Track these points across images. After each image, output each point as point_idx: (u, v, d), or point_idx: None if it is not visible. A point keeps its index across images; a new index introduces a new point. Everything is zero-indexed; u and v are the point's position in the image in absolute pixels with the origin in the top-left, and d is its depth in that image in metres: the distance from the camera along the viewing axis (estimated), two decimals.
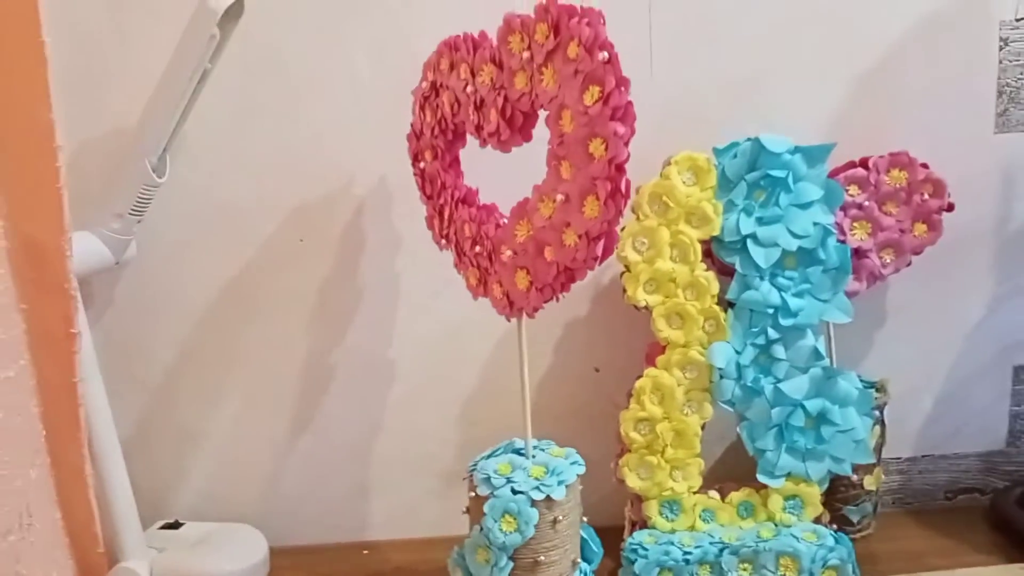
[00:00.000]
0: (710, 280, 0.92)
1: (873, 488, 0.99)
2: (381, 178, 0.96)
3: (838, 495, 0.99)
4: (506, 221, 0.78)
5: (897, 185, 0.96)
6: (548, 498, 0.78)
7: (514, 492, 0.79)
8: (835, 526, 0.98)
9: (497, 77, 0.72)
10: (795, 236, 0.91)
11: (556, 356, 1.02)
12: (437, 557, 0.99)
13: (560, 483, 0.79)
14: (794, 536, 0.91)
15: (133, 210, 0.88)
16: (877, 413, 0.98)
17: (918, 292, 1.04)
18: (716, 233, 0.92)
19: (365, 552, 1.03)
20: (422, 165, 0.82)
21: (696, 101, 0.98)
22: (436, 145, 0.80)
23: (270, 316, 1.00)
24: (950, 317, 1.06)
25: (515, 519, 0.79)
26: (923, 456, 1.08)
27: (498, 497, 0.79)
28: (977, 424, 1.08)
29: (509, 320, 0.81)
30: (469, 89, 0.74)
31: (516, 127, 0.72)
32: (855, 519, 0.99)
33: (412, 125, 0.84)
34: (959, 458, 1.09)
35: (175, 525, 0.99)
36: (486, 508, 0.79)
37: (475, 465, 0.83)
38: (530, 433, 0.85)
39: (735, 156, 0.92)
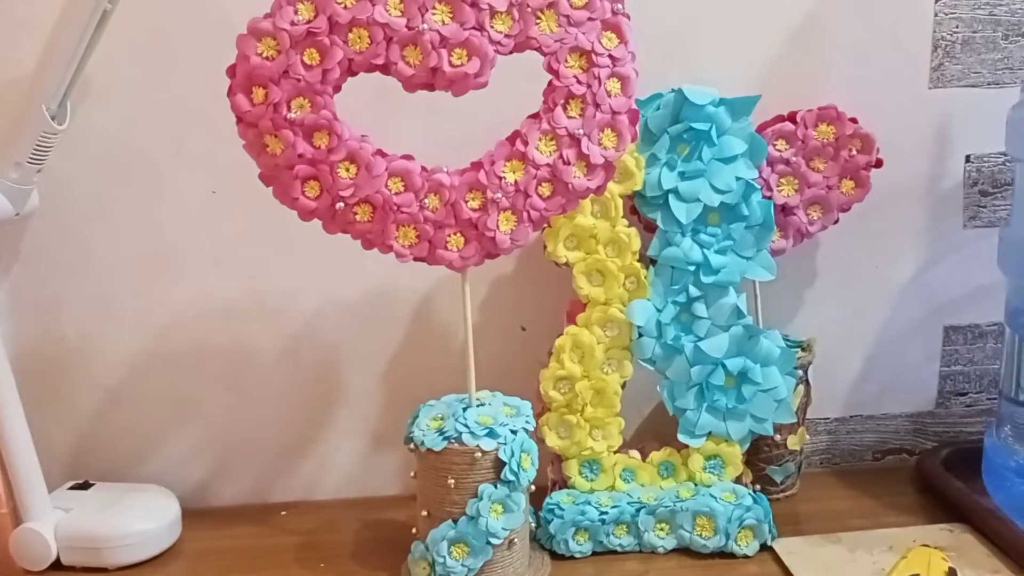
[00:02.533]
0: (631, 236, 0.88)
1: (797, 448, 0.96)
2: None
3: (761, 455, 0.95)
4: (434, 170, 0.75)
5: (825, 140, 0.91)
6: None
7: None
8: (758, 486, 0.94)
9: (465, 15, 0.70)
10: (717, 191, 0.87)
11: (482, 315, 0.97)
12: (359, 517, 0.97)
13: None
14: (712, 496, 0.87)
15: (32, 158, 0.82)
16: (801, 372, 0.95)
17: (848, 251, 1.00)
18: (638, 188, 0.88)
19: (283, 513, 0.99)
20: (292, 115, 0.72)
21: None
22: (321, 91, 0.72)
23: (187, 271, 0.95)
24: (881, 276, 1.02)
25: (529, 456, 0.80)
26: (851, 416, 1.05)
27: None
28: (907, 385, 1.04)
29: (461, 272, 0.78)
30: (422, 26, 0.70)
31: (489, 68, 0.73)
32: (778, 479, 0.96)
33: (256, 69, 0.70)
34: (888, 418, 1.05)
35: (85, 486, 0.94)
36: (508, 450, 0.78)
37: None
38: (473, 386, 0.82)
39: (658, 108, 0.88)
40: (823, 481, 1.01)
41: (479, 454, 0.79)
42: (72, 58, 0.79)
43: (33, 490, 0.86)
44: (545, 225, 0.88)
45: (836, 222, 0.94)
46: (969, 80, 0.98)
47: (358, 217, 0.76)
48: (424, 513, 0.81)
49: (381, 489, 1.01)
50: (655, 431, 0.98)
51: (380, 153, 0.75)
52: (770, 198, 0.92)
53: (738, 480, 0.91)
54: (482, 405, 0.83)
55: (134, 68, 0.90)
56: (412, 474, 0.83)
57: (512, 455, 0.79)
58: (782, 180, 0.93)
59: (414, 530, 0.83)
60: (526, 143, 0.77)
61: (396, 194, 0.76)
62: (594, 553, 0.89)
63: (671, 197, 0.88)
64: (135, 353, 0.97)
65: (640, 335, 0.90)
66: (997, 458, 0.91)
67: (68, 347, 0.96)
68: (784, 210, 0.93)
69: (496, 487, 0.79)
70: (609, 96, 0.78)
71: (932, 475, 0.97)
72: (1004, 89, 0.98)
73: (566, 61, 0.76)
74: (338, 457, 1.01)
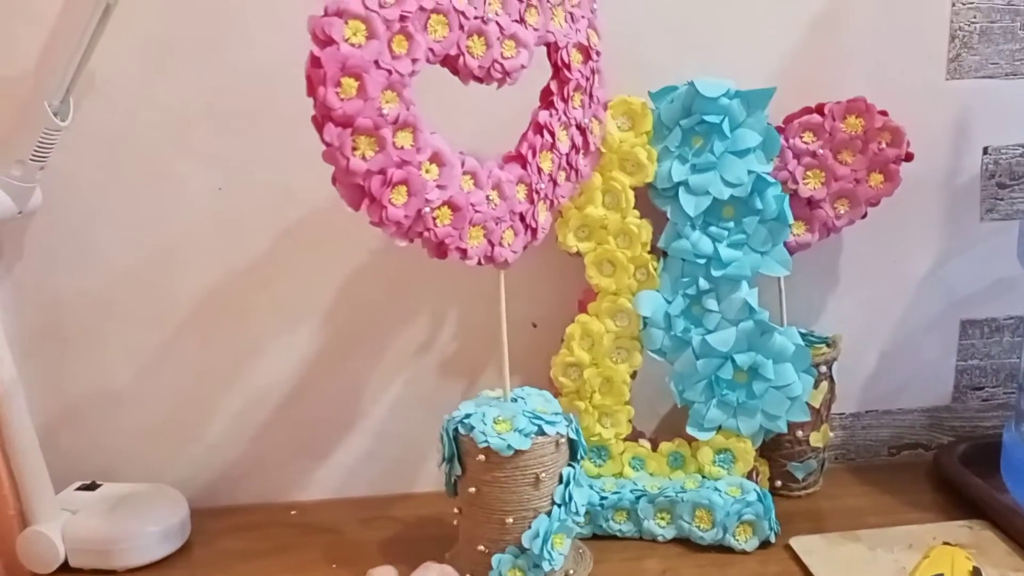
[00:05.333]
0: (641, 227, 0.84)
1: (820, 445, 0.92)
2: (307, 123, 0.70)
3: (783, 451, 0.92)
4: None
5: (853, 133, 0.87)
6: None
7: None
8: (779, 483, 0.92)
9: (511, 7, 0.67)
10: (728, 184, 0.83)
11: (491, 311, 0.92)
12: (368, 516, 0.93)
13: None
14: (715, 489, 0.84)
15: (34, 156, 0.79)
16: (826, 369, 0.91)
17: (865, 245, 0.96)
18: (650, 180, 0.84)
19: (293, 512, 0.95)
20: (386, 111, 0.62)
21: (636, 44, 0.88)
22: (407, 84, 0.63)
23: (192, 268, 0.91)
24: (897, 271, 0.97)
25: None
26: (867, 412, 1.00)
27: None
28: (923, 379, 1.00)
29: (508, 267, 0.75)
30: (488, 13, 0.66)
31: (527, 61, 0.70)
32: (800, 476, 0.92)
33: (350, 58, 0.60)
34: (903, 413, 1.01)
35: (92, 486, 0.90)
36: (575, 429, 0.76)
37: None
38: (508, 384, 0.79)
39: (671, 101, 0.84)
40: (839, 477, 0.97)
41: (561, 440, 0.76)
42: (75, 53, 0.76)
43: (40, 492, 0.83)
44: (558, 215, 0.86)
45: (864, 216, 0.89)
46: (987, 71, 0.93)
47: (438, 221, 0.68)
48: (509, 520, 0.75)
49: (391, 487, 0.98)
50: (680, 424, 0.92)
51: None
52: (796, 191, 0.88)
53: (749, 476, 0.88)
54: (522, 399, 0.79)
55: (137, 63, 0.86)
56: (471, 490, 0.76)
57: (578, 433, 0.78)
58: (808, 173, 0.88)
59: (480, 547, 0.76)
60: (553, 134, 0.75)
61: (469, 193, 0.70)
62: (594, 536, 0.86)
63: (681, 190, 0.84)
64: (140, 351, 0.93)
65: (648, 326, 0.86)
66: (1017, 453, 0.86)
67: (73, 345, 0.92)
68: (810, 204, 0.89)
69: (573, 467, 0.77)
70: (597, 89, 0.79)
71: (950, 471, 0.93)
72: (1022, 80, 0.93)
73: (572, 55, 0.74)
74: (346, 456, 0.98)
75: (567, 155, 0.77)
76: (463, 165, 0.70)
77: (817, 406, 0.90)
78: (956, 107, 0.94)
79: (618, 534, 0.86)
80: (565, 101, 0.76)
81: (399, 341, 0.95)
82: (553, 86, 0.76)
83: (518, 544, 0.75)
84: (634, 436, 0.89)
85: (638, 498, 0.85)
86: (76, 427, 0.94)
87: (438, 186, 0.67)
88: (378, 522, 0.92)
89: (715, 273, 0.84)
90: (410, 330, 0.95)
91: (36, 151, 0.80)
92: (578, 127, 0.78)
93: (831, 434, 0.94)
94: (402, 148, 0.65)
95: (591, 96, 0.78)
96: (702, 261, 0.84)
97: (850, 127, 0.87)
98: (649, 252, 0.86)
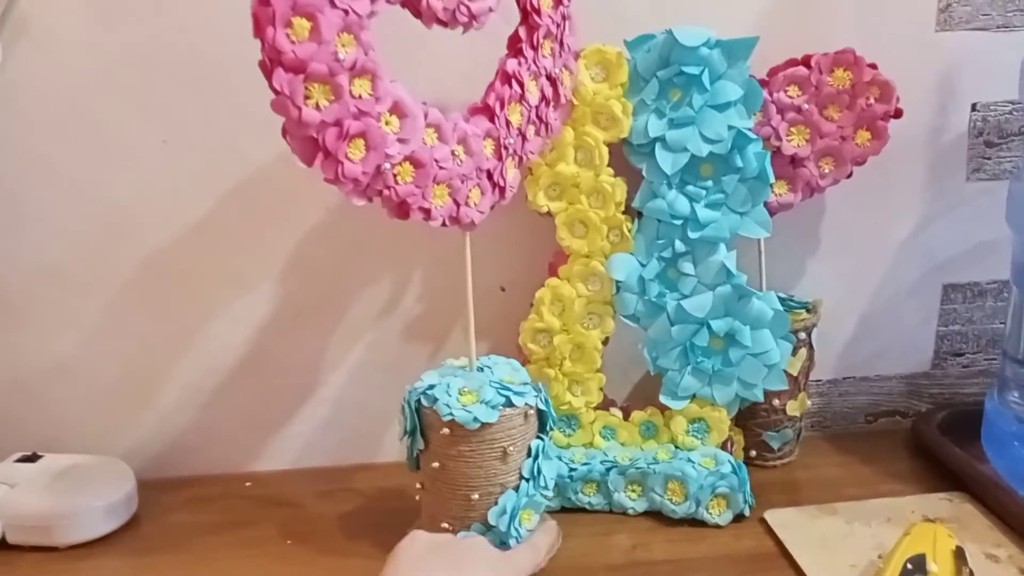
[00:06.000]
0: (615, 186, 0.79)
1: (796, 414, 0.88)
2: (256, 73, 0.61)
3: (759, 420, 0.87)
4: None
5: (840, 87, 0.81)
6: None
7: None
8: (754, 452, 0.88)
9: None
10: (707, 140, 0.77)
11: (456, 273, 0.86)
12: (327, 488, 0.89)
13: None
14: (689, 460, 0.80)
15: None
16: (805, 336, 0.86)
17: (844, 206, 0.91)
18: (624, 135, 0.79)
19: (247, 484, 0.90)
20: (342, 55, 0.55)
21: None
22: (366, 26, 0.56)
23: (138, 230, 0.85)
24: (878, 233, 0.93)
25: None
26: (844, 378, 0.96)
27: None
28: (903, 345, 0.96)
29: (473, 229, 0.70)
30: None
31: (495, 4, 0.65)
32: (775, 446, 0.88)
33: (309, 0, 0.54)
34: (882, 380, 0.97)
35: (33, 458, 0.84)
36: (543, 399, 0.73)
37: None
38: (474, 352, 0.74)
39: (648, 50, 0.78)
40: (815, 446, 0.93)
41: (530, 412, 0.72)
42: None
43: None
44: (527, 172, 0.81)
45: (849, 176, 0.84)
46: (978, 23, 0.87)
47: (400, 178, 0.62)
48: (475, 496, 0.71)
49: (351, 458, 0.93)
50: (653, 392, 0.87)
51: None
52: (779, 148, 0.82)
53: (723, 446, 0.84)
54: (488, 368, 0.74)
55: (78, 9, 0.79)
56: (435, 464, 0.71)
57: (548, 403, 0.74)
58: (792, 129, 0.83)
59: (444, 524, 0.72)
60: (522, 84, 0.69)
61: (432, 147, 0.63)
62: (563, 509, 0.82)
63: (657, 146, 0.78)
64: (85, 316, 0.86)
65: (621, 290, 0.81)
66: (999, 422, 0.83)
67: (13, 312, 0.86)
68: (794, 162, 0.83)
69: (541, 439, 0.73)
70: (567, 36, 0.74)
71: (928, 440, 0.89)
72: (1015, 32, 0.88)
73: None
74: (304, 425, 0.92)
75: (536, 107, 0.72)
76: (426, 117, 0.63)
77: (795, 374, 0.86)
78: (944, 60, 0.89)
79: (587, 507, 0.82)
80: (535, 49, 0.70)
81: (359, 306, 0.90)
82: (522, 32, 0.70)
83: (484, 521, 0.71)
84: (605, 405, 0.84)
85: (608, 470, 0.81)
86: (16, 396, 0.88)
87: (399, 140, 0.60)
88: (337, 494, 0.87)
89: (692, 235, 0.79)
90: (371, 294, 0.89)
91: None
92: (548, 77, 0.72)
93: (808, 403, 0.90)
94: (360, 97, 0.58)
95: (561, 44, 0.72)
96: (678, 222, 0.79)
97: (837, 81, 0.81)
98: (623, 212, 0.80)
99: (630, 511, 0.81)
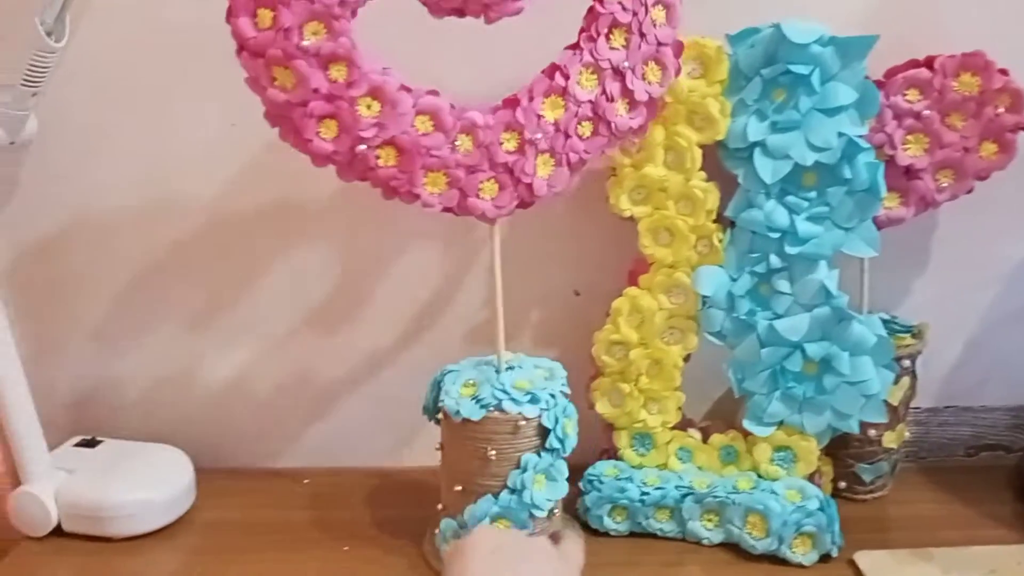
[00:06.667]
0: (707, 192, 0.73)
1: (893, 446, 0.80)
2: None
3: (851, 450, 0.80)
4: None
5: (967, 93, 0.73)
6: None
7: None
8: (843, 484, 0.81)
9: None
10: (813, 148, 0.70)
11: (529, 276, 0.82)
12: (385, 488, 0.85)
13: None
14: (773, 492, 0.73)
15: (26, 80, 0.69)
16: (909, 363, 0.79)
17: (957, 221, 0.82)
18: (721, 137, 0.72)
19: (306, 481, 0.86)
20: (307, 43, 0.57)
21: None
22: (340, 15, 0.58)
23: (199, 214, 0.81)
24: (991, 251, 0.84)
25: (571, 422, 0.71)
26: (946, 407, 0.88)
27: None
28: (1011, 374, 0.87)
29: (494, 222, 0.67)
30: None
31: None
32: (867, 479, 0.81)
33: None
34: (986, 411, 0.88)
35: (92, 443, 0.82)
36: (552, 416, 0.69)
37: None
38: (503, 347, 0.71)
39: (752, 46, 0.71)
40: (909, 480, 0.85)
41: (523, 422, 0.68)
42: None
43: (32, 449, 0.76)
44: (611, 174, 0.75)
45: (970, 191, 0.76)
46: None
47: (381, 161, 0.62)
48: (458, 488, 0.70)
49: (412, 459, 0.89)
50: (734, 411, 0.81)
51: (404, 88, 0.61)
52: (892, 158, 0.74)
53: (810, 477, 0.77)
54: (512, 369, 0.71)
55: None
56: (437, 446, 0.72)
57: (556, 421, 0.70)
58: (909, 137, 0.74)
59: (440, 506, 0.72)
60: (567, 77, 0.65)
61: (424, 135, 0.63)
62: (632, 534, 0.77)
63: (756, 151, 0.71)
64: (140, 298, 0.84)
65: (708, 305, 0.75)
66: None
67: (68, 290, 0.84)
68: (908, 173, 0.75)
69: (540, 456, 0.70)
70: (655, 26, 0.67)
71: None
72: None
73: None
74: (361, 422, 0.88)
75: (593, 103, 0.66)
76: (416, 104, 0.62)
77: (895, 404, 0.78)
78: None
79: (658, 533, 0.76)
80: (595, 39, 0.64)
81: (420, 304, 0.85)
82: (584, 20, 0.65)
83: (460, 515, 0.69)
84: (683, 425, 0.78)
85: (684, 496, 0.75)
86: (75, 377, 0.86)
87: (376, 124, 0.61)
88: (398, 497, 0.84)
89: (790, 250, 0.72)
90: (432, 294, 0.85)
91: (28, 75, 0.69)
92: (616, 71, 0.65)
93: (907, 434, 0.82)
94: (335, 82, 0.60)
95: (641, 35, 0.65)
96: (776, 235, 0.72)
97: (964, 86, 0.73)
98: (714, 221, 0.74)
99: (704, 541, 0.75)
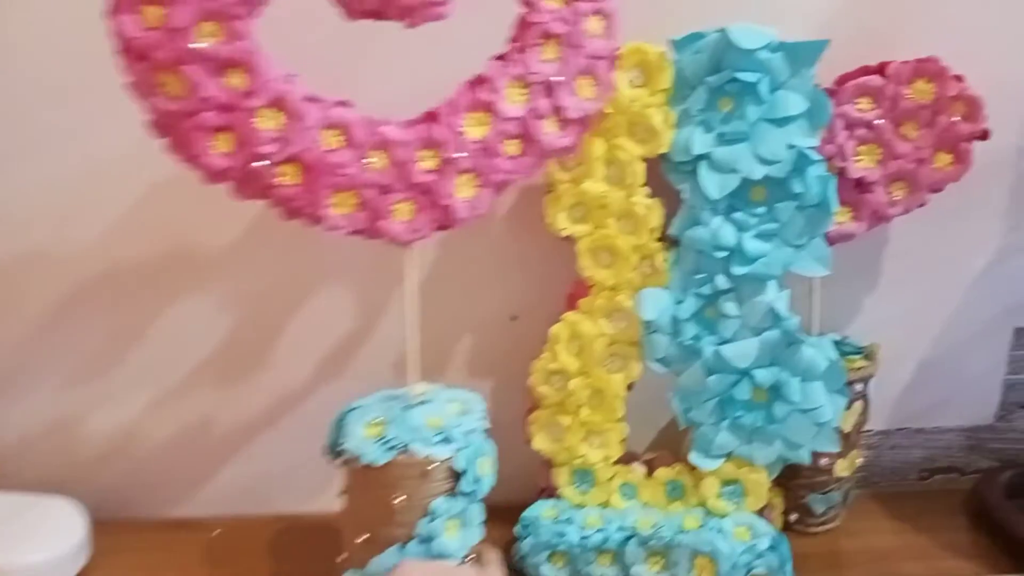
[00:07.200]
0: (650, 209, 0.67)
1: (846, 474, 0.76)
2: None
3: (801, 480, 0.76)
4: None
5: (921, 101, 0.69)
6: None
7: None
8: (794, 516, 0.76)
9: None
10: (762, 161, 0.65)
11: (462, 300, 0.77)
12: (292, 534, 0.78)
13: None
14: (721, 531, 0.68)
15: None
16: (861, 387, 0.75)
17: (909, 236, 0.78)
18: (664, 150, 0.67)
19: (217, 532, 0.78)
20: (199, 45, 0.51)
21: None
22: (238, 15, 0.52)
23: (93, 258, 0.74)
24: (945, 268, 0.81)
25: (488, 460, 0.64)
26: (898, 429, 0.84)
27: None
28: (965, 394, 0.84)
29: (409, 247, 0.61)
30: None
31: None
32: (820, 509, 0.77)
33: None
34: (939, 432, 0.85)
35: None
36: (465, 457, 0.61)
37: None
38: (414, 381, 0.64)
39: (697, 52, 0.66)
40: (862, 508, 0.81)
41: (433, 465, 0.61)
42: None
43: None
44: (549, 190, 0.69)
45: (923, 204, 0.72)
46: None
47: (282, 179, 0.56)
48: (363, 538, 0.63)
49: (328, 504, 0.81)
50: (680, 441, 0.76)
51: (311, 98, 0.55)
52: (844, 170, 0.70)
53: (761, 511, 0.72)
54: (424, 403, 0.64)
55: None
56: (341, 491, 0.64)
57: (470, 463, 0.63)
58: (861, 148, 0.70)
59: (340, 558, 0.64)
60: (494, 90, 0.60)
61: (332, 151, 0.57)
62: None
63: (702, 165, 0.66)
64: (35, 327, 0.75)
65: (651, 330, 0.70)
66: None
67: None
68: (860, 186, 0.71)
69: (451, 500, 0.62)
70: (591, 37, 0.62)
71: (993, 508, 0.77)
72: None
73: None
74: (275, 467, 0.81)
75: (521, 120, 0.60)
76: (325, 117, 0.56)
77: (848, 431, 0.74)
78: None
79: None
80: (524, 51, 0.59)
81: (339, 337, 0.78)
82: (514, 29, 0.60)
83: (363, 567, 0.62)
84: (626, 459, 0.73)
85: (627, 538, 0.69)
86: None
87: (277, 138, 0.55)
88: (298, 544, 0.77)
89: (737, 270, 0.67)
90: (351, 326, 0.78)
91: None
92: (547, 85, 0.60)
93: (859, 461, 0.78)
94: (232, 90, 0.54)
95: (576, 46, 0.60)
96: (722, 254, 0.67)
97: (918, 94, 0.69)
98: (658, 240, 0.69)
99: None
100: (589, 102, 0.63)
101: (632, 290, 0.69)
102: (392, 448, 0.61)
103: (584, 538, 0.69)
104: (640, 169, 0.67)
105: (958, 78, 0.69)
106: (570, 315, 0.70)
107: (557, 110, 0.62)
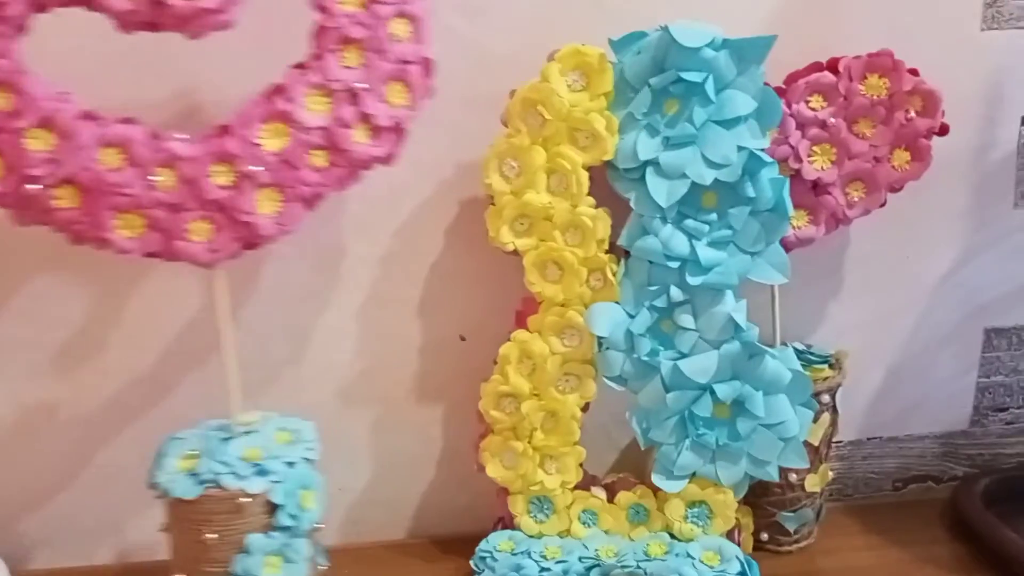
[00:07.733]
0: (597, 219, 0.64)
1: (817, 489, 0.72)
2: None
3: (771, 497, 0.72)
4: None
5: (875, 97, 0.66)
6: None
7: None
8: (765, 535, 0.73)
9: None
10: (711, 165, 0.62)
11: (408, 322, 0.73)
12: None
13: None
14: (688, 555, 0.65)
15: None
16: (828, 398, 0.71)
17: (872, 239, 0.75)
18: (609, 157, 0.64)
19: None
20: None
21: None
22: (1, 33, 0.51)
23: None
24: (910, 270, 0.78)
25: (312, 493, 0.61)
26: (869, 439, 0.81)
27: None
28: (937, 400, 0.81)
29: (212, 267, 0.58)
30: None
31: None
32: (792, 527, 0.72)
33: None
34: (912, 440, 0.81)
35: None
36: (283, 491, 0.59)
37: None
38: (237, 410, 0.62)
39: (639, 52, 0.63)
40: (836, 523, 0.77)
41: (245, 499, 0.59)
42: None
43: None
44: (489, 203, 0.66)
45: (883, 205, 0.69)
46: None
47: (60, 203, 0.54)
48: None
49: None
50: (642, 462, 0.73)
51: (88, 116, 0.52)
52: (798, 172, 0.67)
53: (730, 533, 0.68)
54: (248, 434, 0.61)
55: None
56: (162, 527, 0.61)
57: (289, 496, 0.60)
58: (815, 148, 0.67)
59: None
60: (291, 100, 0.57)
61: (111, 170, 0.55)
62: None
63: (649, 171, 0.63)
64: None
65: (605, 347, 0.66)
66: None
67: None
68: (816, 188, 0.68)
69: (270, 536, 0.60)
70: (395, 41, 0.59)
71: (972, 518, 0.73)
72: None
73: None
74: (121, 508, 0.75)
75: (326, 129, 0.58)
76: (101, 135, 0.54)
77: (816, 444, 0.70)
78: (991, 64, 0.73)
79: None
80: (322, 57, 0.56)
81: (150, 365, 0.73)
82: (312, 35, 0.57)
83: None
84: (585, 483, 0.69)
85: (589, 568, 0.65)
86: None
87: (49, 160, 0.54)
88: None
89: (692, 280, 0.64)
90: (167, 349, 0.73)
91: None
92: (350, 93, 0.57)
93: (830, 475, 0.74)
94: None
95: (380, 51, 0.58)
96: (675, 265, 0.64)
97: (871, 89, 0.66)
98: (607, 252, 0.65)
99: None
100: (401, 109, 0.60)
101: (583, 305, 0.66)
102: (202, 482, 0.59)
103: (544, 570, 0.65)
104: (584, 178, 0.64)
105: (913, 71, 0.66)
106: (519, 334, 0.67)
107: (365, 118, 0.59)
